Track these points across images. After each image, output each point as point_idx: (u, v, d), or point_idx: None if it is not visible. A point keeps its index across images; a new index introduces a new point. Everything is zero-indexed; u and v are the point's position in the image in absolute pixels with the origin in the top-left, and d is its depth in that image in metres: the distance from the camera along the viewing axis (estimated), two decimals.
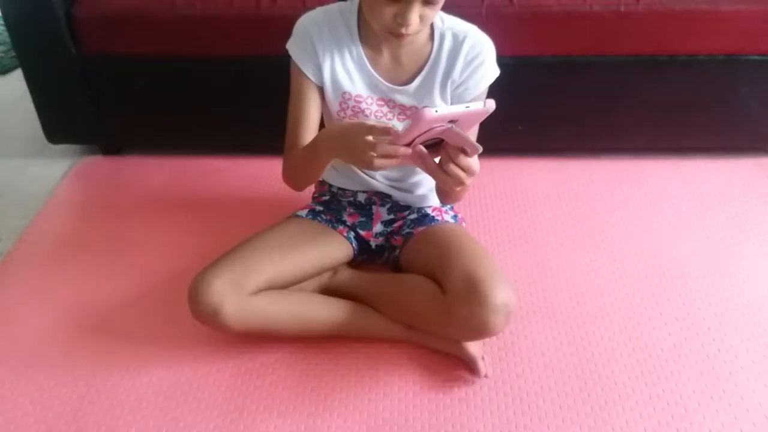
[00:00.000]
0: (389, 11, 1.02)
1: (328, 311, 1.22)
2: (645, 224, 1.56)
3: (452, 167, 0.97)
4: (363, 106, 1.19)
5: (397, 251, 1.32)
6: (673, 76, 1.64)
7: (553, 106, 1.70)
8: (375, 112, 1.19)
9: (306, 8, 1.50)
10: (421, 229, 1.29)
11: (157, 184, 1.74)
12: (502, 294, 1.07)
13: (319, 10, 1.18)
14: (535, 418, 1.12)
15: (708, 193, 1.67)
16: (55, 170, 1.81)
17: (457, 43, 1.15)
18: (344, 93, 1.18)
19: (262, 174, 1.73)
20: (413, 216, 1.33)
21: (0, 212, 1.66)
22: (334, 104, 1.20)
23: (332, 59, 1.16)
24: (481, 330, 1.09)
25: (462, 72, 1.16)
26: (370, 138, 0.95)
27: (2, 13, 1.64)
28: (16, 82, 2.03)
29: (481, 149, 0.95)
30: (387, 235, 1.34)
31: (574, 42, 1.59)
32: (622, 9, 1.53)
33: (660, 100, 1.69)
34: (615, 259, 1.46)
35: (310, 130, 1.19)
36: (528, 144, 1.79)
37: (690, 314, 1.31)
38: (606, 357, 1.22)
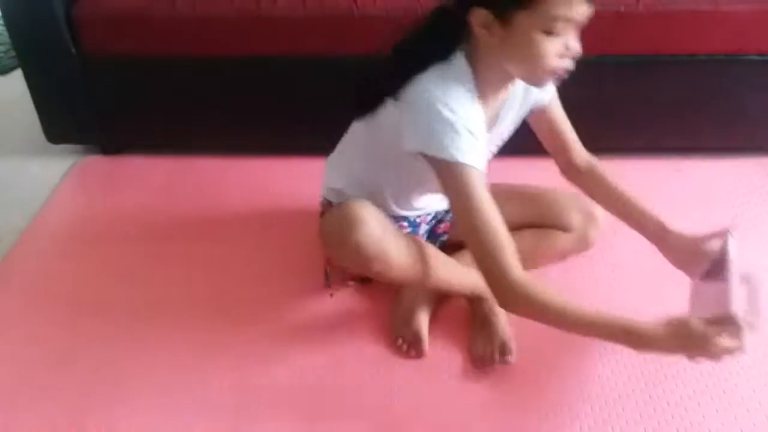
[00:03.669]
0: (552, 48, 0.93)
1: (462, 273, 1.25)
2: None
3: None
4: None
5: (445, 236, 1.38)
6: (673, 76, 1.64)
7: None
8: None
9: (306, 8, 1.49)
10: None
11: (157, 184, 1.73)
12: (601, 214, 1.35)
13: (441, 86, 0.98)
14: (535, 418, 1.12)
15: (708, 193, 1.67)
16: (55, 170, 1.80)
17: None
18: None
19: (262, 174, 1.73)
20: None
21: (0, 212, 1.66)
22: None
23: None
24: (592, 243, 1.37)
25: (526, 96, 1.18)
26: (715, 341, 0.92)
27: (2, 13, 1.64)
28: (16, 82, 2.03)
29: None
30: (432, 229, 1.37)
31: None
32: (622, 9, 1.53)
33: (660, 100, 1.68)
34: (615, 259, 1.46)
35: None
36: (528, 144, 1.79)
37: None
38: (606, 357, 1.22)
